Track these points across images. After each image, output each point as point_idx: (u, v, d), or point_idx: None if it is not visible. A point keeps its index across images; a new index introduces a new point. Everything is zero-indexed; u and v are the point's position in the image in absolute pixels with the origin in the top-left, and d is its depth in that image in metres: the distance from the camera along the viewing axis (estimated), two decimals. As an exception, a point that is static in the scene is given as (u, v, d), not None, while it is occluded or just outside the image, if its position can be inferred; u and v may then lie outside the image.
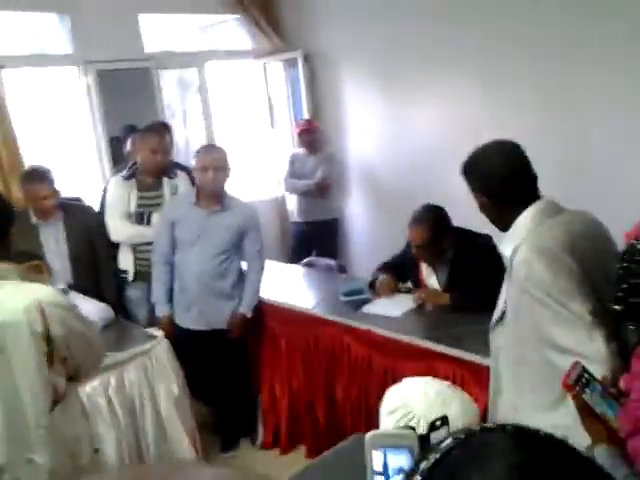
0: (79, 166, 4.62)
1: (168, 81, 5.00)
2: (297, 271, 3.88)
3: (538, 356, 1.61)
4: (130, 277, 3.35)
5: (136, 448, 2.63)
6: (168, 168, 3.42)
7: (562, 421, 1.40)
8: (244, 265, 3.20)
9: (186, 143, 5.15)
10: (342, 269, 4.08)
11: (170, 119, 4.70)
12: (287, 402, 3.20)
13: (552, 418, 1.55)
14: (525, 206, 1.69)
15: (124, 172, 3.39)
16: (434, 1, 4.36)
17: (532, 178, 1.73)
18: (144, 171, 3.33)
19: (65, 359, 1.69)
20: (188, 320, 3.11)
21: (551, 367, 1.54)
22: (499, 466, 0.52)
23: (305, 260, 4.14)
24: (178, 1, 4.69)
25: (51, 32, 4.45)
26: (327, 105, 5.31)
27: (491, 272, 2.41)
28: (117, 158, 4.30)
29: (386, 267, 3.08)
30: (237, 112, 5.72)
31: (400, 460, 1.18)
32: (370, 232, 5.23)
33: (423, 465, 0.55)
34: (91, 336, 1.81)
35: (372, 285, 3.05)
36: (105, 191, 3.49)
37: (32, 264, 1.87)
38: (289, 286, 3.49)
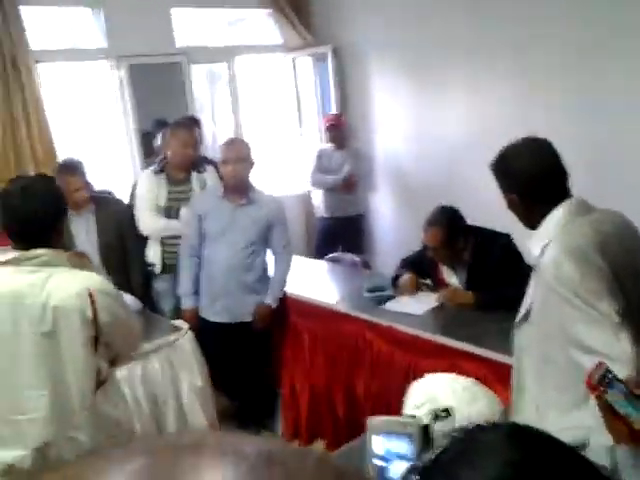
0: (111, 160, 4.70)
1: (198, 75, 5.05)
2: (322, 266, 3.89)
3: (563, 355, 1.59)
4: (158, 270, 3.40)
5: (159, 437, 2.67)
6: (197, 162, 3.46)
7: (585, 421, 1.39)
8: (270, 259, 3.22)
9: (214, 137, 5.20)
10: (367, 265, 4.07)
11: (199, 113, 4.74)
12: (308, 396, 3.22)
13: (575, 418, 1.53)
14: (555, 204, 1.67)
15: (154, 166, 3.44)
16: (465, -5, 4.32)
17: (563, 176, 1.71)
18: (174, 165, 3.38)
19: (108, 344, 1.78)
20: (213, 313, 3.15)
21: (576, 367, 1.53)
22: (493, 463, 0.52)
23: (330, 256, 4.15)
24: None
25: (85, 27, 4.53)
26: (355, 100, 5.30)
27: (511, 271, 2.40)
28: (147, 152, 4.36)
29: (407, 264, 3.09)
30: (265, 107, 5.75)
31: (400, 446, 1.20)
32: (396, 228, 5.21)
33: (420, 464, 0.56)
34: (132, 324, 1.91)
35: (395, 282, 3.05)
36: (135, 185, 3.55)
37: (74, 252, 1.98)
38: (313, 281, 3.50)
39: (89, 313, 1.69)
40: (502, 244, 2.66)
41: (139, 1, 4.36)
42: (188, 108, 4.64)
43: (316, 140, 5.41)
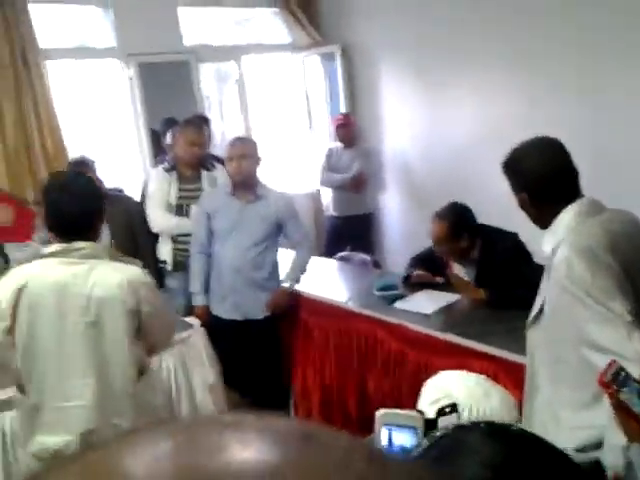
0: (121, 157, 4.73)
1: (206, 74, 5.07)
2: (331, 265, 3.90)
3: (576, 355, 1.60)
4: (169, 267, 3.42)
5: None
6: (206, 160, 3.48)
7: (599, 420, 1.40)
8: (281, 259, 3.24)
9: (223, 136, 5.21)
10: (377, 264, 4.08)
11: (207, 112, 4.76)
12: (319, 394, 3.23)
13: (588, 417, 1.54)
14: (566, 204, 1.68)
15: (165, 164, 3.47)
16: (474, -5, 4.32)
17: (574, 176, 1.72)
18: (182, 164, 3.40)
19: (147, 334, 1.86)
20: (223, 310, 3.17)
21: (589, 366, 1.53)
22: (471, 462, 0.53)
23: (340, 254, 4.16)
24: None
25: (94, 25, 4.55)
26: (364, 99, 5.30)
27: (520, 270, 2.42)
28: (156, 151, 4.38)
29: (417, 262, 3.10)
30: (274, 105, 5.76)
31: (404, 438, 1.22)
32: (405, 227, 5.22)
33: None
34: (168, 315, 2.02)
35: (406, 280, 3.06)
36: (146, 182, 3.57)
37: (111, 247, 2.05)
38: (323, 280, 3.51)
39: (132, 304, 1.77)
40: (510, 243, 2.69)
41: (148, 0, 4.38)
42: (197, 107, 4.65)
43: (325, 139, 5.42)
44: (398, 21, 4.81)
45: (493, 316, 2.56)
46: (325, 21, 5.31)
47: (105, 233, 3.25)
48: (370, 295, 3.07)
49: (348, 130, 4.98)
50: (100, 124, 4.73)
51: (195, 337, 2.83)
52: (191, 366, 2.77)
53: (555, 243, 1.65)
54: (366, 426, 2.97)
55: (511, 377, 2.18)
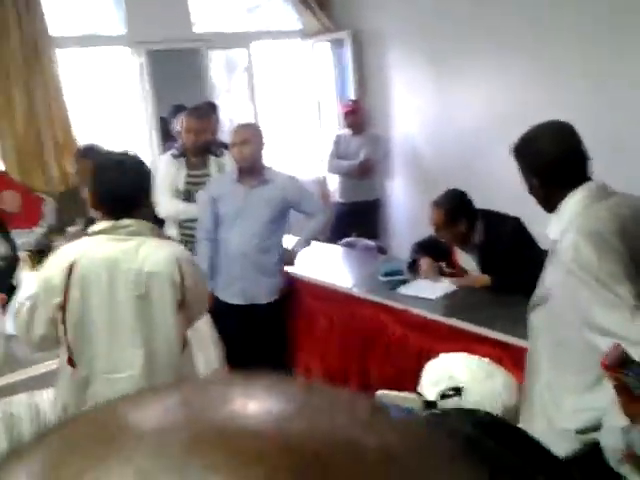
0: (129, 145, 4.74)
1: (216, 61, 5.06)
2: (337, 251, 3.90)
3: (579, 338, 1.59)
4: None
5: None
6: (212, 147, 3.48)
7: (600, 403, 1.39)
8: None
9: (232, 123, 5.20)
10: (382, 250, 4.08)
11: (217, 99, 4.75)
12: (322, 378, 3.24)
13: (590, 400, 1.54)
14: (574, 188, 1.67)
15: (174, 150, 3.48)
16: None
17: (583, 160, 1.71)
18: (187, 150, 3.41)
19: (187, 308, 1.95)
20: (230, 295, 3.18)
21: (592, 349, 1.53)
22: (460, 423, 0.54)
23: (345, 240, 4.15)
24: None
25: (104, 13, 4.55)
26: (373, 86, 5.27)
27: (523, 254, 2.42)
28: (164, 137, 4.39)
29: (421, 248, 3.10)
30: (283, 92, 5.74)
31: None
32: (412, 213, 5.19)
33: None
34: (206, 289, 2.17)
35: (411, 266, 3.06)
36: (154, 169, 3.58)
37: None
38: (328, 265, 3.52)
39: (177, 278, 1.85)
40: (512, 227, 2.70)
41: (158, -13, 4.37)
42: (206, 94, 4.65)
43: (334, 126, 5.40)
44: (408, 8, 4.77)
45: (497, 301, 2.56)
46: (335, 7, 5.27)
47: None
48: (375, 281, 3.07)
49: (357, 117, 4.96)
50: (109, 111, 4.74)
51: (200, 322, 2.83)
52: (195, 350, 2.78)
53: (562, 227, 1.64)
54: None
55: (515, 362, 2.17)
